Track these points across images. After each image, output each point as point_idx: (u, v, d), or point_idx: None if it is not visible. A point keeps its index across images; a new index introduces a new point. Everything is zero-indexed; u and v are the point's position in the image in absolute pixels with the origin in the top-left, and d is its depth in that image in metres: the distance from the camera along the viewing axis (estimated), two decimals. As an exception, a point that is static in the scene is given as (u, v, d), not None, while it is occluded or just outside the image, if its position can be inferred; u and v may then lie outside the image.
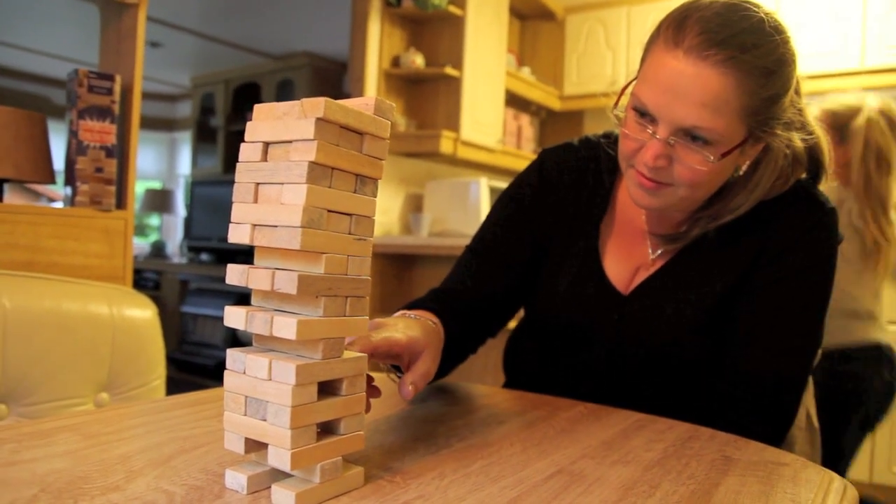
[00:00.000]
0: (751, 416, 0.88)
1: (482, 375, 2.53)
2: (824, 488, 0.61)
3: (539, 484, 0.58)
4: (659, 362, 0.95)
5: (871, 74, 3.06)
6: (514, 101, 3.78)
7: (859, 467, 2.67)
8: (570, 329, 1.01)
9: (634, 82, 0.87)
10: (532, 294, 1.06)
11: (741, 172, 0.90)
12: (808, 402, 1.08)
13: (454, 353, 0.94)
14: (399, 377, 0.77)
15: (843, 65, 3.11)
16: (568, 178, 1.04)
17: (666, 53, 0.81)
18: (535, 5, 3.86)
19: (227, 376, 0.53)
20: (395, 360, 0.74)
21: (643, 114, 0.84)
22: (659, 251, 0.98)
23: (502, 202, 1.08)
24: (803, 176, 0.95)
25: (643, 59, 0.86)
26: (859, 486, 2.41)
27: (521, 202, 1.05)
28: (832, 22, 3.13)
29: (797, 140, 0.89)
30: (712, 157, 0.81)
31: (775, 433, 0.89)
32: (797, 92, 0.88)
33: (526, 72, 3.85)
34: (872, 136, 1.84)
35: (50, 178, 1.82)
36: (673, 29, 0.81)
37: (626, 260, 1.00)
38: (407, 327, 0.74)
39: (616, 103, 0.91)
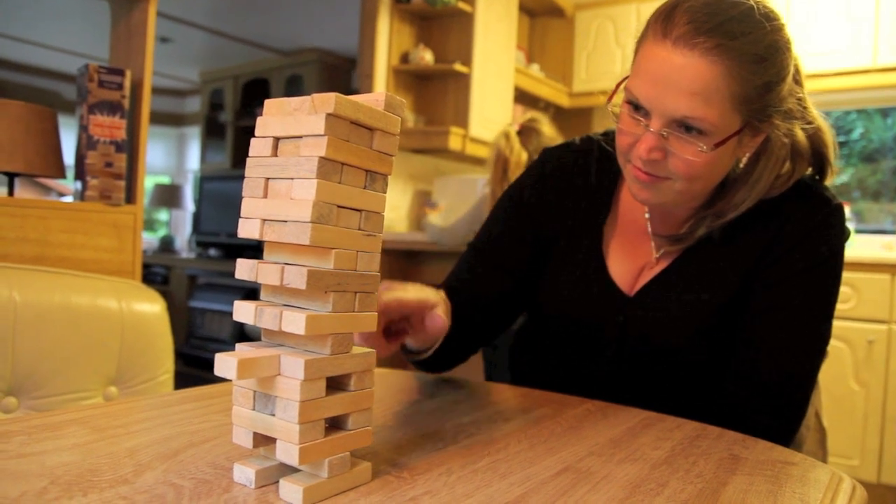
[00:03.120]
0: (759, 416, 0.87)
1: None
2: (833, 488, 0.61)
3: (546, 481, 0.58)
4: (665, 363, 0.94)
5: (883, 73, 3.04)
6: (523, 98, 3.77)
7: (867, 467, 2.66)
8: (574, 330, 1.01)
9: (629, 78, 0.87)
10: (536, 294, 1.06)
11: (742, 166, 0.89)
12: (817, 402, 1.07)
13: (455, 350, 0.94)
14: (407, 351, 0.79)
15: (854, 63, 3.09)
16: (569, 177, 1.04)
17: (655, 45, 0.80)
18: (544, 2, 3.85)
19: (236, 371, 0.53)
20: (404, 324, 0.76)
21: (637, 108, 0.84)
22: (662, 251, 0.97)
23: (504, 200, 1.07)
24: (808, 171, 0.94)
25: (635, 54, 0.86)
26: (868, 486, 2.40)
27: (523, 201, 1.05)
28: (844, 20, 3.11)
29: (798, 131, 0.88)
30: (705, 147, 0.81)
31: (784, 433, 0.88)
32: (797, 81, 0.87)
33: (535, 69, 3.84)
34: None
35: (60, 172, 1.83)
36: (661, 21, 0.81)
37: (630, 260, 0.99)
38: (417, 290, 0.75)
39: (610, 99, 0.91)
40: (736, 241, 0.92)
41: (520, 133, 2.32)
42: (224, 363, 0.48)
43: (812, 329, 0.89)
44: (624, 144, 0.87)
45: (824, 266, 0.89)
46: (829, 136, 0.92)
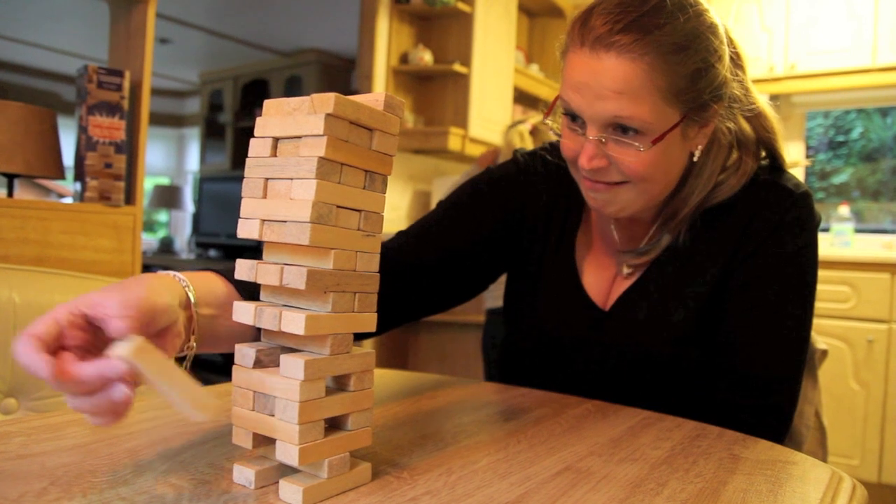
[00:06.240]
0: (749, 416, 0.86)
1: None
2: (833, 488, 0.61)
3: (546, 481, 0.58)
4: (647, 372, 0.93)
5: (882, 72, 3.05)
6: (523, 98, 3.77)
7: (868, 467, 2.66)
8: (553, 346, 1.00)
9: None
10: (512, 307, 1.05)
11: (696, 158, 0.88)
12: (817, 402, 1.07)
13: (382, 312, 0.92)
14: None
15: (854, 62, 3.10)
16: (542, 181, 1.03)
17: (575, 53, 0.81)
18: (543, 2, 3.85)
19: (236, 371, 0.53)
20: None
21: (573, 119, 0.84)
22: (632, 264, 0.96)
23: (479, 176, 1.06)
24: (763, 163, 0.93)
25: (562, 67, 0.85)
26: (868, 485, 2.41)
27: (498, 181, 1.04)
28: (844, 20, 3.12)
29: (741, 119, 0.89)
30: (643, 147, 0.80)
31: (776, 430, 0.87)
32: (737, 65, 0.87)
33: (534, 69, 3.84)
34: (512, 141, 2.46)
35: (60, 173, 1.83)
36: (578, 28, 0.81)
37: (603, 272, 0.98)
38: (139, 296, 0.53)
39: (547, 115, 0.91)
40: (705, 245, 0.91)
41: (531, 133, 2.34)
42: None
43: (791, 322, 0.88)
44: (570, 157, 0.87)
45: (796, 259, 0.88)
46: (774, 122, 0.91)
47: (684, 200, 0.90)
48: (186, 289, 0.60)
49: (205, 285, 0.63)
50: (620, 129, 0.80)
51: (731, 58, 0.85)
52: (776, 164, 0.94)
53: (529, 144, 2.31)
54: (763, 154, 0.94)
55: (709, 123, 0.86)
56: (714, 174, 0.89)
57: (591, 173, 0.84)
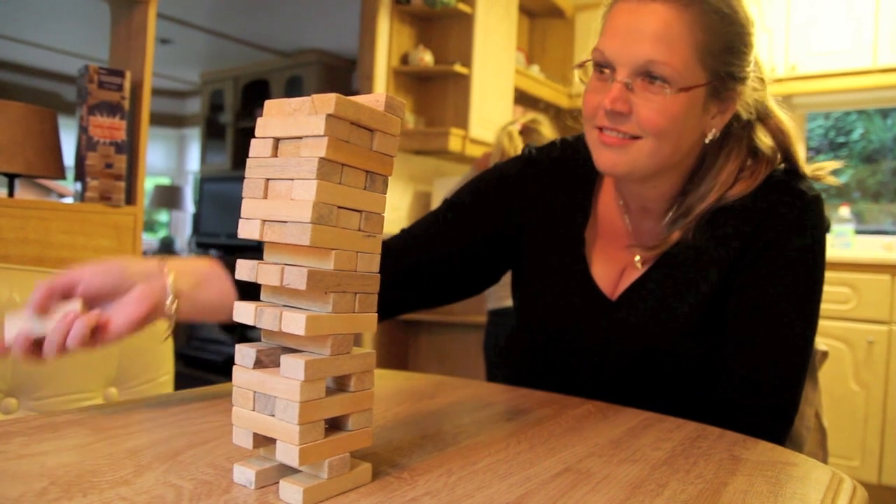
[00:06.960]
0: (751, 416, 0.87)
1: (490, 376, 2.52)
2: (833, 489, 0.61)
3: (546, 482, 0.58)
4: (651, 367, 0.93)
5: (883, 73, 3.05)
6: (523, 99, 3.77)
7: (868, 468, 2.66)
8: (559, 337, 1.00)
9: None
10: (519, 301, 1.06)
11: (708, 140, 0.89)
12: (817, 403, 1.07)
13: (400, 298, 0.97)
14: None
15: (855, 63, 3.10)
16: (552, 175, 1.04)
17: (621, 3, 0.84)
18: (544, 3, 3.86)
19: (236, 371, 0.53)
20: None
21: (604, 68, 0.86)
22: (640, 258, 0.96)
23: (486, 173, 1.07)
24: (781, 166, 0.94)
25: (603, 23, 0.88)
26: (868, 487, 2.41)
27: (505, 178, 1.05)
28: (845, 21, 3.12)
29: (759, 128, 0.91)
30: (670, 91, 0.82)
31: (777, 431, 0.88)
32: (758, 65, 0.89)
33: (535, 70, 3.84)
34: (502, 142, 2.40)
35: (60, 173, 1.83)
36: None
37: (612, 263, 0.98)
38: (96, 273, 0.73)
39: (582, 65, 0.92)
40: (715, 242, 0.91)
41: (521, 133, 2.33)
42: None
43: (796, 325, 0.88)
44: (590, 105, 0.88)
45: (803, 260, 0.88)
46: (787, 125, 0.92)
47: (701, 198, 0.91)
48: (160, 263, 0.74)
49: (188, 262, 0.77)
50: (648, 76, 0.82)
51: (755, 59, 0.88)
52: (793, 167, 0.94)
53: (519, 144, 2.30)
54: (779, 159, 0.94)
55: (728, 107, 0.88)
56: (732, 174, 0.90)
57: (611, 117, 0.85)
